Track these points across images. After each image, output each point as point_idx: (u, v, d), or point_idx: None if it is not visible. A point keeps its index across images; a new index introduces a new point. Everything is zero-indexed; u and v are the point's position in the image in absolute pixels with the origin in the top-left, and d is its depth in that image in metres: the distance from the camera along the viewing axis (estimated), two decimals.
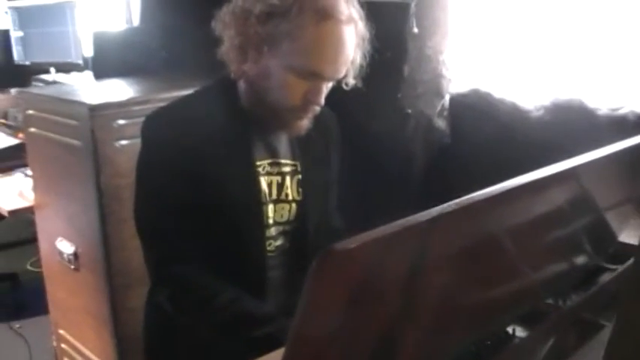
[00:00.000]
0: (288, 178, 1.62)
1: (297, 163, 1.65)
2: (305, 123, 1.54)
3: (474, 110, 2.21)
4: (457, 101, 2.25)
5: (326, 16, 1.40)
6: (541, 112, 2.04)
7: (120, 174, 2.25)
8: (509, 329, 1.24)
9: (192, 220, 1.47)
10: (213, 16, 1.52)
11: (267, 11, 1.41)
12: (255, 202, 1.55)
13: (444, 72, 2.20)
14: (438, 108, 2.24)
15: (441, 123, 2.26)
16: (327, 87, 1.49)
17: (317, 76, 1.45)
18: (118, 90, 2.67)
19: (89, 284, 2.45)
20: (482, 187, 2.31)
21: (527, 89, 2.09)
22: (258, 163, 1.57)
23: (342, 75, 1.49)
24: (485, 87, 2.18)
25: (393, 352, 0.81)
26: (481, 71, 2.22)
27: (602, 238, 1.43)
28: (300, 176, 1.65)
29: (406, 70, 2.24)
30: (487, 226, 0.90)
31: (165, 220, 1.48)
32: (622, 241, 1.49)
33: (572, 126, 1.99)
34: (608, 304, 1.35)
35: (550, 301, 1.35)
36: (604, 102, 1.94)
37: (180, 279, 1.49)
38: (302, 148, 1.65)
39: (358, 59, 1.51)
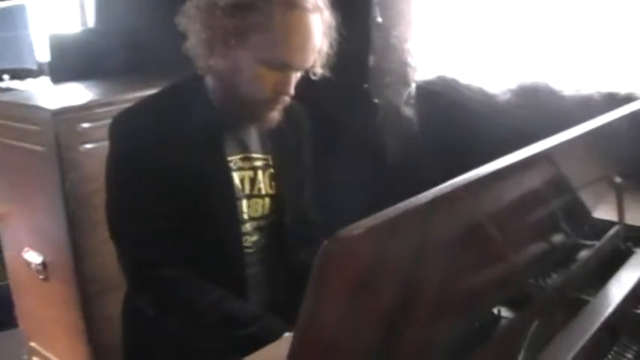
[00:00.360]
0: (260, 173, 1.61)
1: (269, 157, 1.63)
2: (276, 115, 1.52)
3: (440, 97, 2.21)
4: (423, 89, 2.25)
5: (293, 5, 1.39)
6: (508, 95, 2.06)
7: (87, 178, 2.21)
8: (495, 310, 1.25)
9: (168, 220, 1.45)
10: (175, 13, 1.50)
11: (233, 3, 1.39)
12: (229, 197, 1.53)
13: (410, 60, 2.20)
14: (405, 96, 2.24)
15: (408, 111, 2.27)
16: (295, 77, 1.48)
17: (286, 66, 1.44)
18: (79, 93, 2.61)
19: (60, 294, 2.40)
20: (454, 173, 2.31)
21: (493, 74, 2.10)
22: (229, 158, 1.55)
23: (310, 64, 1.48)
24: (450, 73, 2.18)
25: (397, 338, 0.80)
26: (446, 58, 2.22)
27: (579, 216, 1.45)
28: (272, 170, 1.63)
29: (372, 60, 2.24)
30: (479, 207, 0.90)
31: (140, 222, 1.46)
32: (597, 217, 1.51)
33: (539, 107, 2.01)
34: (589, 280, 1.36)
35: (532, 280, 1.37)
36: (569, 83, 1.96)
37: (162, 281, 1.46)
38: (273, 142, 1.64)
39: (325, 48, 1.50)
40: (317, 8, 1.43)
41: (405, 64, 2.20)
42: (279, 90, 1.46)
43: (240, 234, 1.56)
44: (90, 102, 2.27)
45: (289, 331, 1.43)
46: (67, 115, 2.17)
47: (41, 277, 2.44)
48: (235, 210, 1.54)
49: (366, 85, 2.27)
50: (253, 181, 1.59)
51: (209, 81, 1.53)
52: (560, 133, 1.03)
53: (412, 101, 2.25)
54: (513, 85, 2.05)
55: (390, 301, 0.75)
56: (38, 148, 2.25)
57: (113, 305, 2.35)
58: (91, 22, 3.49)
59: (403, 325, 0.80)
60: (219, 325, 1.44)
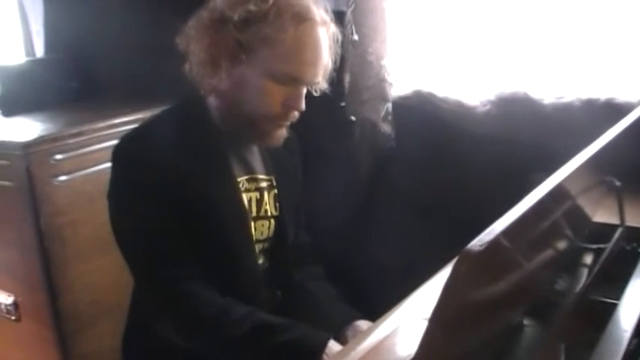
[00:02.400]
0: (266, 194, 1.59)
1: (272, 178, 1.62)
2: (284, 132, 1.51)
3: (417, 111, 2.22)
4: (400, 104, 2.25)
5: (303, 18, 1.39)
6: (487, 106, 2.07)
7: (60, 212, 2.13)
8: None
9: (187, 239, 1.41)
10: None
11: (245, 17, 1.38)
12: (242, 219, 1.51)
13: (387, 76, 2.20)
14: (383, 113, 2.24)
15: (386, 127, 2.26)
16: (304, 92, 1.46)
17: (297, 81, 1.42)
18: (42, 125, 2.50)
19: (34, 334, 2.29)
20: (429, 188, 2.31)
21: (471, 86, 2.12)
22: (237, 179, 1.52)
23: (319, 79, 1.47)
24: (427, 87, 2.19)
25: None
26: (422, 72, 2.23)
27: (581, 221, 1.47)
28: (276, 191, 1.61)
29: (347, 77, 2.23)
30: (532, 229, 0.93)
31: (164, 240, 1.41)
32: (596, 221, 1.53)
33: (519, 117, 2.03)
34: (609, 282, 1.37)
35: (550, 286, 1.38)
36: (548, 92, 1.98)
37: (190, 297, 1.40)
38: (274, 163, 1.63)
39: (330, 63, 1.49)
40: (324, 21, 1.44)
41: (382, 81, 2.20)
42: (290, 105, 1.44)
43: (256, 256, 1.54)
44: (62, 133, 2.18)
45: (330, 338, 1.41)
46: (39, 147, 2.08)
47: (12, 317, 2.32)
48: (249, 230, 1.52)
49: (343, 103, 2.26)
50: (260, 202, 1.57)
51: (211, 101, 1.50)
52: (571, 161, 1.04)
53: (390, 117, 2.25)
54: (492, 96, 2.06)
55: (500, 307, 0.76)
56: (6, 183, 2.15)
57: (89, 343, 2.28)
58: (39, 52, 3.40)
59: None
60: (257, 334, 1.39)
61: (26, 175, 2.07)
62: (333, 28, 1.47)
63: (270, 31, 1.37)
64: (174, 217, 1.40)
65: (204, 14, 1.43)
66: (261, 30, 1.37)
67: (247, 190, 1.54)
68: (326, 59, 1.45)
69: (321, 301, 1.67)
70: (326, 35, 1.44)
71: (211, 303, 1.41)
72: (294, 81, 1.42)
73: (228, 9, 1.39)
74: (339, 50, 1.50)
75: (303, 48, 1.40)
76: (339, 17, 2.14)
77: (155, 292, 1.45)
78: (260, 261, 1.58)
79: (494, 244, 0.68)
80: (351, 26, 2.16)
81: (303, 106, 1.45)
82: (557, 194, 1.00)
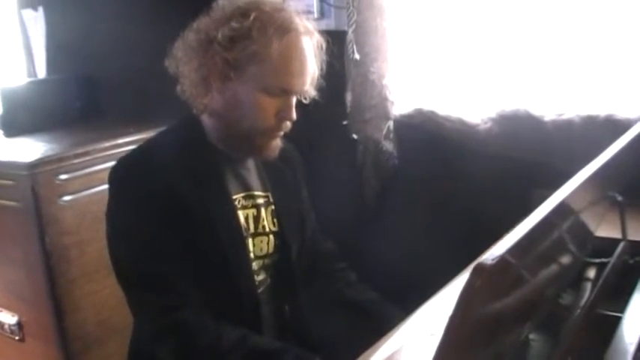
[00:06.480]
0: (262, 210, 1.60)
1: (269, 194, 1.63)
2: (278, 142, 1.53)
3: (419, 130, 2.23)
4: (402, 123, 2.27)
5: (286, 30, 1.42)
6: (489, 124, 2.09)
7: (65, 232, 2.14)
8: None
9: (182, 264, 1.42)
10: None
11: (230, 36, 1.40)
12: (237, 237, 1.52)
13: (388, 95, 2.22)
14: (385, 131, 2.26)
15: (388, 146, 2.28)
16: (294, 101, 1.49)
17: (287, 92, 1.45)
18: (47, 146, 2.52)
19: (38, 355, 2.29)
20: (431, 207, 2.32)
21: (473, 103, 2.14)
22: (233, 197, 1.54)
23: (307, 87, 1.49)
24: (428, 106, 2.21)
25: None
26: (423, 91, 2.25)
27: (584, 237, 1.48)
28: (273, 207, 1.62)
29: (349, 96, 2.25)
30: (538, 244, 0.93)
31: (156, 267, 1.41)
32: (599, 236, 1.55)
33: (520, 134, 2.05)
34: (613, 296, 1.39)
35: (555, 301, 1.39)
36: (549, 109, 2.00)
37: (183, 327, 1.40)
38: (271, 179, 1.64)
39: (317, 71, 1.51)
40: (308, 31, 1.46)
41: (384, 99, 2.22)
42: (282, 116, 1.47)
43: (252, 273, 1.55)
44: (67, 152, 2.20)
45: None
46: (45, 167, 2.10)
47: (16, 337, 2.33)
48: (246, 248, 1.53)
49: (345, 122, 2.28)
50: (257, 219, 1.58)
51: (206, 120, 1.52)
52: (574, 177, 1.05)
53: (392, 135, 2.27)
54: (493, 114, 2.08)
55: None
56: (12, 203, 2.17)
57: None
58: (41, 73, 3.42)
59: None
60: None
61: (32, 195, 2.08)
62: (317, 35, 1.49)
63: (256, 48, 1.39)
64: (169, 240, 1.41)
65: (190, 35, 1.46)
66: (247, 47, 1.40)
67: (244, 207, 1.55)
68: (313, 68, 1.47)
69: (366, 307, 1.71)
70: (310, 43, 1.46)
71: (202, 333, 1.41)
72: (284, 92, 1.44)
73: (213, 29, 1.42)
74: (324, 57, 1.52)
75: (290, 60, 1.42)
76: (340, 37, 2.19)
77: (147, 322, 1.47)
78: (261, 277, 1.59)
79: (504, 258, 0.69)
80: (353, 46, 2.19)
81: (294, 115, 1.48)
82: (562, 210, 1.02)
